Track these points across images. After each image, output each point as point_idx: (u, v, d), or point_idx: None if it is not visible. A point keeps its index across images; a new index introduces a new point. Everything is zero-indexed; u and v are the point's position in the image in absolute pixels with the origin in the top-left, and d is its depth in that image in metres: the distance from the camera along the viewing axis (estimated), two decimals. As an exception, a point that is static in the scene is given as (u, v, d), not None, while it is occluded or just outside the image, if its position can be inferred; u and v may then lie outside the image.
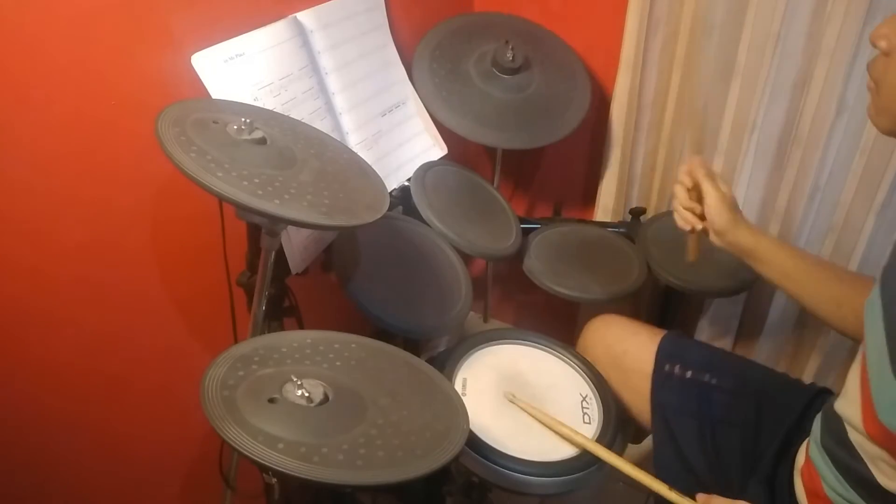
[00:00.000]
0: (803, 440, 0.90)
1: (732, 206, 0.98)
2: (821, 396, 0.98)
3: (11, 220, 0.81)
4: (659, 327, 1.11)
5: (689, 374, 1.02)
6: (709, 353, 1.08)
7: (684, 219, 1.00)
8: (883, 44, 0.71)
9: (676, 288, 1.26)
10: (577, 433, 0.93)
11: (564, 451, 0.93)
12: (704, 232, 1.00)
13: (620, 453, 0.94)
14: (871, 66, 0.75)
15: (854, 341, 0.88)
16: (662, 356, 1.04)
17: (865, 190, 1.25)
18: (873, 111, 0.75)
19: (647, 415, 1.03)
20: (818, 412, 0.90)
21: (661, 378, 1.03)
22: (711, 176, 0.99)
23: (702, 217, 0.99)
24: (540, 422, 0.96)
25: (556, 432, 0.94)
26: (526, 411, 0.97)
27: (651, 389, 1.03)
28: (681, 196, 1.01)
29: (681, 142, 1.40)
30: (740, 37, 1.26)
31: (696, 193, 1.00)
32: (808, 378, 1.45)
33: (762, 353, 1.49)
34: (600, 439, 0.94)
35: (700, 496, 0.82)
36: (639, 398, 1.04)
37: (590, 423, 0.98)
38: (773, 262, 0.95)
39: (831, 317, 0.92)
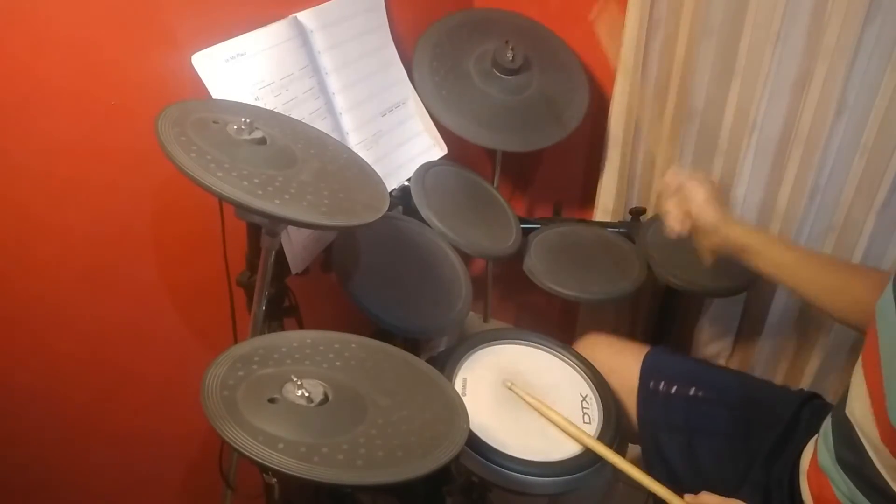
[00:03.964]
0: (797, 444, 0.90)
1: (721, 202, 0.98)
2: (811, 402, 0.98)
3: (10, 219, 0.81)
4: (659, 327, 1.12)
5: (674, 389, 1.03)
6: (693, 366, 1.09)
7: (672, 227, 1.02)
8: None
9: (676, 288, 1.26)
10: (570, 423, 0.94)
11: (565, 451, 0.93)
12: (697, 236, 1.01)
13: (621, 453, 0.94)
14: None
15: (856, 332, 0.88)
16: (647, 374, 1.05)
17: (866, 190, 1.25)
18: None
19: (636, 429, 1.05)
20: (809, 416, 0.90)
21: (646, 395, 1.04)
22: (695, 176, 1.00)
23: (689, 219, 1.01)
24: (536, 410, 0.97)
25: (551, 420, 0.95)
26: (523, 399, 0.98)
27: (637, 406, 1.04)
28: (669, 207, 1.02)
29: (681, 142, 1.40)
30: (740, 37, 1.25)
31: (681, 198, 1.01)
32: (808, 378, 1.45)
33: (762, 352, 1.49)
34: (600, 439, 0.94)
35: (688, 496, 0.82)
36: (627, 415, 1.06)
37: (590, 422, 0.98)
38: (767, 255, 0.95)
39: (830, 306, 0.92)
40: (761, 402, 1.00)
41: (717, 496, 0.82)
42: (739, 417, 0.99)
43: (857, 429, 0.76)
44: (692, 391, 1.02)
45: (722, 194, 1.00)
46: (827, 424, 0.84)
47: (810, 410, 0.96)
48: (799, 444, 0.90)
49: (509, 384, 1.00)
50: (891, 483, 0.72)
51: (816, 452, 0.85)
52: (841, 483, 0.78)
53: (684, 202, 1.01)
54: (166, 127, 0.74)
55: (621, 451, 1.08)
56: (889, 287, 0.73)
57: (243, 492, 1.05)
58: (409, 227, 1.21)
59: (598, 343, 1.14)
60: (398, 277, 1.15)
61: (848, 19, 1.14)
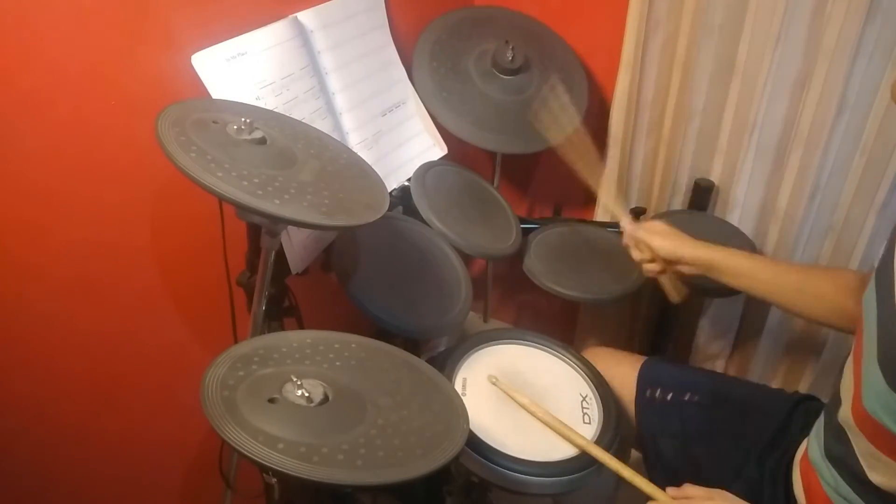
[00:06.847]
0: (790, 441, 0.93)
1: (672, 234, 1.04)
2: (805, 403, 1.01)
3: (11, 219, 0.81)
4: (659, 328, 1.12)
5: (669, 396, 1.05)
6: (687, 372, 1.12)
7: (648, 270, 1.08)
8: None
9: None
10: (557, 420, 0.94)
11: (565, 451, 0.93)
12: (670, 270, 1.06)
13: (623, 455, 0.94)
14: None
15: (828, 327, 0.91)
16: (643, 382, 1.08)
17: (865, 190, 1.25)
18: None
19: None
20: (803, 416, 0.93)
21: (643, 403, 1.07)
22: (644, 226, 1.07)
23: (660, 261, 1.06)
24: (521, 406, 0.97)
25: (536, 416, 0.95)
26: (508, 395, 0.98)
27: (635, 414, 1.06)
28: (636, 255, 1.08)
29: (681, 142, 1.40)
30: (740, 37, 1.26)
31: (641, 246, 1.07)
32: (807, 379, 1.45)
33: (762, 353, 1.49)
34: (600, 439, 0.94)
35: (671, 489, 0.85)
36: (629, 423, 1.07)
37: (590, 423, 0.98)
38: (731, 267, 1.00)
39: (797, 305, 0.97)
40: (755, 404, 1.03)
41: (701, 488, 0.84)
42: (733, 419, 1.01)
43: (840, 419, 0.79)
44: (687, 397, 1.05)
45: (675, 227, 1.06)
46: (820, 420, 0.86)
47: (804, 410, 0.99)
48: (792, 441, 0.92)
49: (493, 380, 1.00)
50: (867, 471, 0.74)
51: (808, 447, 0.87)
52: (827, 475, 0.81)
53: (645, 248, 1.06)
54: (166, 127, 0.74)
55: (623, 454, 1.08)
56: (871, 281, 0.76)
57: (243, 492, 1.05)
58: (409, 227, 1.21)
59: (598, 354, 1.16)
60: (398, 277, 1.15)
61: (848, 19, 1.14)
